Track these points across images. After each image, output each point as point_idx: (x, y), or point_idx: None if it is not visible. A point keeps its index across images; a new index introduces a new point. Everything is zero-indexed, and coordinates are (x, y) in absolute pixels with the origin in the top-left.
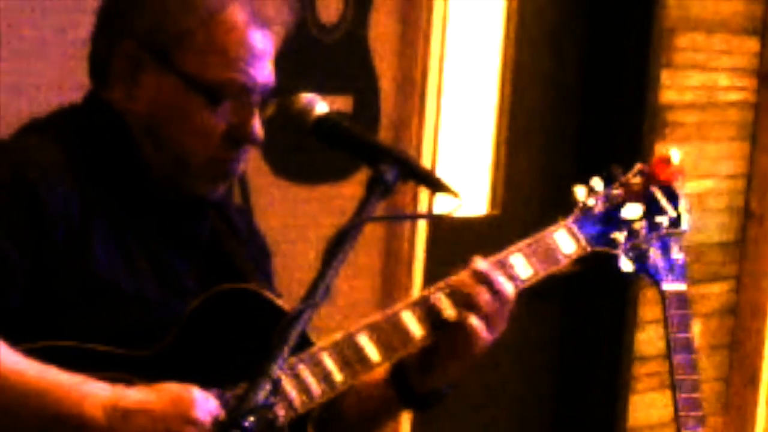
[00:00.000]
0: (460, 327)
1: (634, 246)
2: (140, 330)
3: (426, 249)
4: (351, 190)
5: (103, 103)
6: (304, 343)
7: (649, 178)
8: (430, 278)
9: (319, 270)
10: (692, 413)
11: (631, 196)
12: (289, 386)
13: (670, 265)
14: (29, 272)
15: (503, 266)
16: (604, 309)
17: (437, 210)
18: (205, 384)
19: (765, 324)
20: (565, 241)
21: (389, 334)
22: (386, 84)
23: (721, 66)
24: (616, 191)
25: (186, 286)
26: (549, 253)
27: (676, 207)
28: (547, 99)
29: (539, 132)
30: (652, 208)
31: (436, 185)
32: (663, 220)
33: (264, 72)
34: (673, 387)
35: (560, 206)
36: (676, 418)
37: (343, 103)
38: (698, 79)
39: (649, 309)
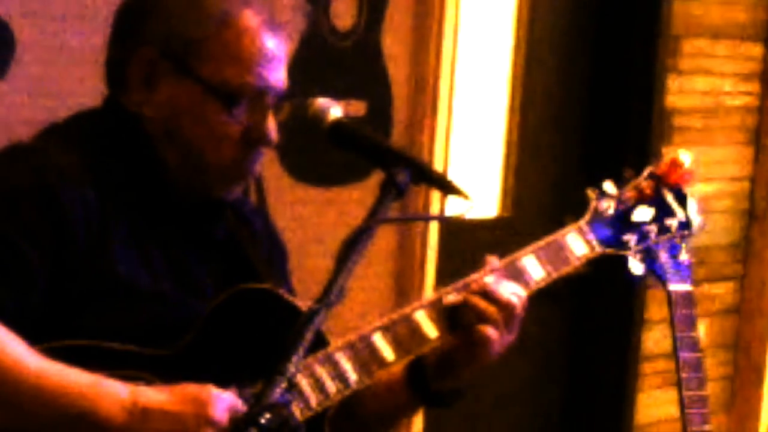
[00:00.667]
0: (474, 329)
1: (645, 248)
2: (158, 329)
3: (438, 250)
4: (364, 192)
5: (120, 107)
6: (319, 343)
7: (660, 181)
8: (441, 279)
9: (333, 270)
10: (698, 410)
11: (642, 198)
12: (305, 385)
13: (677, 267)
14: (49, 274)
15: (516, 270)
16: (612, 309)
17: (449, 212)
18: (222, 382)
19: None
20: (577, 243)
21: (403, 333)
22: (399, 88)
23: (726, 71)
24: (628, 194)
25: (203, 286)
26: (561, 255)
27: (685, 209)
28: (557, 103)
29: (549, 136)
30: (663, 211)
31: (447, 188)
32: (673, 223)
33: (278, 75)
34: (679, 385)
35: (569, 208)
36: (682, 415)
37: (356, 108)
38: (704, 84)
39: (655, 309)
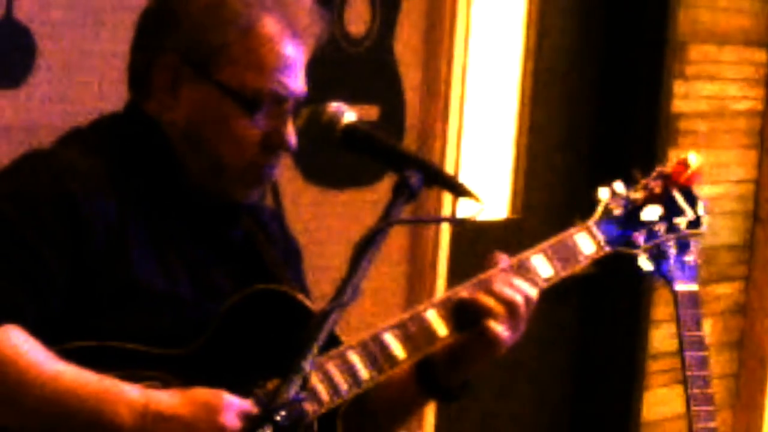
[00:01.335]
0: (483, 326)
1: (653, 246)
2: (176, 330)
3: (449, 251)
4: (377, 195)
5: (142, 112)
6: (332, 342)
7: (669, 181)
8: (453, 279)
9: (347, 271)
10: (703, 408)
11: (651, 198)
12: (318, 383)
13: (683, 267)
14: (68, 277)
15: (525, 268)
16: (620, 308)
17: (460, 214)
18: (236, 381)
19: None
20: (585, 242)
21: (414, 332)
22: (411, 93)
23: (731, 77)
24: (637, 194)
25: (220, 288)
26: (569, 254)
27: (694, 209)
28: (566, 108)
29: (558, 140)
30: (671, 210)
31: (459, 190)
32: (681, 222)
33: (297, 82)
34: (685, 382)
35: (578, 210)
36: (688, 412)
37: (369, 112)
38: (709, 89)
39: (662, 308)
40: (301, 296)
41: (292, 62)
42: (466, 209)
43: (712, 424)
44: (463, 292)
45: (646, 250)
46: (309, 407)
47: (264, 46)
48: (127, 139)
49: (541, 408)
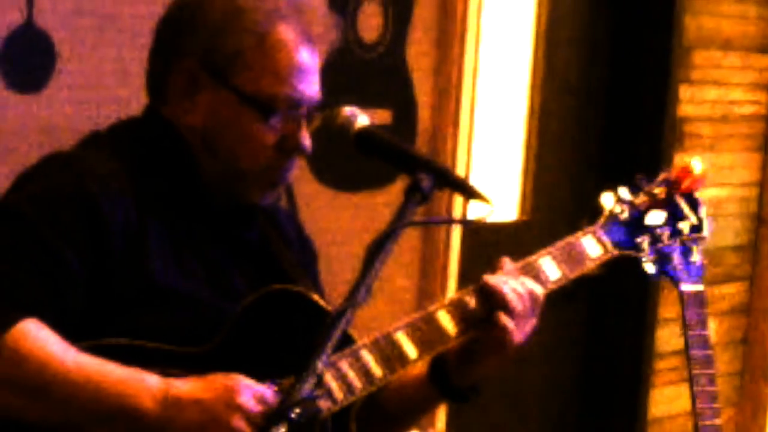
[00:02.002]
0: (492, 326)
1: (657, 250)
2: (193, 329)
3: (460, 253)
4: (390, 197)
5: (160, 116)
6: (346, 341)
7: (673, 186)
8: (463, 280)
9: (360, 272)
10: (709, 405)
11: (656, 203)
12: (331, 381)
13: (689, 268)
14: (88, 277)
15: (532, 269)
16: (627, 308)
17: (471, 216)
18: (252, 380)
19: None
20: (592, 245)
21: (426, 332)
22: (423, 97)
23: (736, 81)
24: (641, 199)
25: (236, 288)
26: (577, 257)
27: (697, 213)
28: (574, 112)
29: (566, 143)
30: (675, 215)
31: (469, 193)
32: (685, 226)
33: (312, 87)
34: (691, 381)
35: (586, 212)
36: (694, 410)
37: (382, 116)
38: (714, 93)
39: (668, 308)
40: (316, 296)
41: (307, 68)
42: (476, 211)
43: (717, 421)
44: (473, 291)
45: (650, 254)
46: (323, 405)
47: (280, 52)
48: (146, 143)
49: (551, 405)
